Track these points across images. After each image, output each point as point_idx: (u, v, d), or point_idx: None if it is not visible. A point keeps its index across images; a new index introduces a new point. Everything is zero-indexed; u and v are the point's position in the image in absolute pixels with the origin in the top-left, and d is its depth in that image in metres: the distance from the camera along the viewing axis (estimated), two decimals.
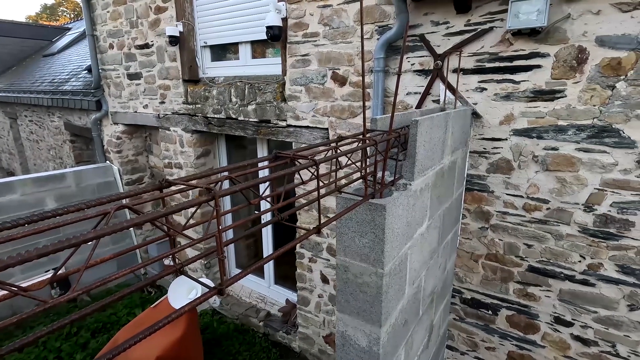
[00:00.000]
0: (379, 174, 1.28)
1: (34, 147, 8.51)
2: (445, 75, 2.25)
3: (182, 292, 3.43)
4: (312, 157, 0.82)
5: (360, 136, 1.27)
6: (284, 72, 3.04)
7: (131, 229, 4.64)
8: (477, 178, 2.33)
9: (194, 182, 0.66)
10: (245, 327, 4.19)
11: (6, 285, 0.41)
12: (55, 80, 6.77)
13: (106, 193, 5.03)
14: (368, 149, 1.20)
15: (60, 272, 0.51)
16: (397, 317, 1.49)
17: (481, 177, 2.31)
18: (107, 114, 4.94)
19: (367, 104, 2.62)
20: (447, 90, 2.25)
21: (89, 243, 0.47)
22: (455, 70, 2.22)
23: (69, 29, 12.01)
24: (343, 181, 1.20)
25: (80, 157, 6.47)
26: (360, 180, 1.27)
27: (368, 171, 1.23)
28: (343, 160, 1.21)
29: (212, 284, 3.13)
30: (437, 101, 2.34)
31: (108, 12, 4.35)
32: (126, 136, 4.89)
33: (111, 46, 4.50)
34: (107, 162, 5.16)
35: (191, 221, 0.71)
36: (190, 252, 4.58)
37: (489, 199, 2.31)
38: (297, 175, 0.93)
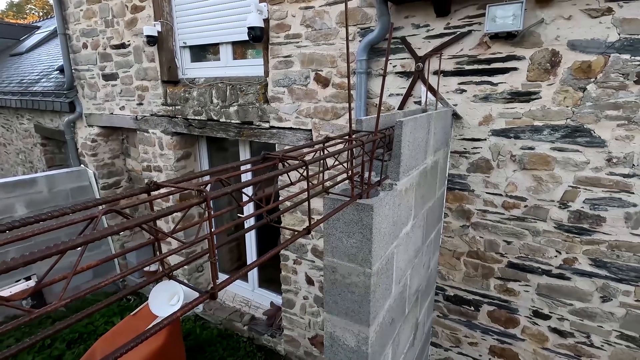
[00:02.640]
0: (366, 175, 1.29)
1: (1, 151, 8.10)
2: (426, 77, 2.30)
3: (163, 299, 3.33)
4: (301, 158, 0.82)
5: (347, 137, 1.28)
6: (266, 73, 3.03)
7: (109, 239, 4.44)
8: (458, 177, 2.39)
9: (183, 184, 0.64)
10: (229, 332, 4.13)
11: None
12: (24, 81, 6.47)
13: (81, 198, 4.84)
14: (354, 149, 1.21)
15: (44, 280, 0.48)
16: (385, 316, 1.50)
17: (462, 176, 2.37)
18: (82, 116, 4.76)
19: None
20: (428, 92, 2.30)
21: (78, 249, 0.45)
22: (436, 72, 2.27)
23: (38, 28, 11.51)
24: (328, 182, 1.21)
25: (52, 161, 6.20)
26: (347, 181, 1.28)
27: (354, 172, 1.24)
28: (329, 161, 1.22)
29: (195, 293, 3.06)
30: (419, 102, 2.39)
31: (81, 10, 4.20)
32: (102, 139, 4.72)
33: (85, 46, 4.34)
34: (82, 165, 4.96)
35: (179, 225, 0.69)
36: (173, 259, 4.48)
37: (470, 197, 2.38)
38: (281, 177, 0.92)
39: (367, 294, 1.31)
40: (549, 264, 2.22)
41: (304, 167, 0.82)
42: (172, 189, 0.62)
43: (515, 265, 2.33)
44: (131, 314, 3.42)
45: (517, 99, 2.09)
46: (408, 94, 2.40)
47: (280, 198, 0.91)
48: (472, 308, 2.56)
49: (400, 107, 2.46)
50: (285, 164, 0.86)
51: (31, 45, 9.30)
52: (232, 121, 3.35)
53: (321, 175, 1.15)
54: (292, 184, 0.98)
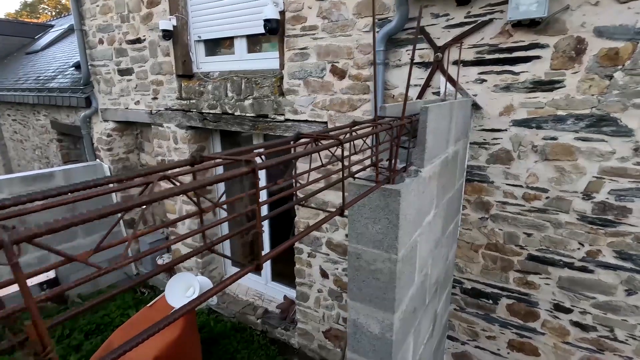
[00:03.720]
0: (392, 161, 1.28)
1: (18, 147, 8.26)
2: (445, 67, 2.27)
3: (179, 290, 3.38)
4: (337, 137, 0.81)
5: (373, 122, 1.26)
6: (282, 65, 3.02)
7: (122, 225, 4.50)
8: (477, 169, 2.36)
9: (231, 155, 0.64)
10: (243, 325, 4.16)
11: (60, 252, 0.40)
12: (40, 78, 6.58)
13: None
14: (380, 135, 1.20)
15: (104, 243, 0.49)
16: (408, 304, 1.49)
17: (481, 167, 2.34)
18: (97, 111, 4.82)
19: (367, 96, 2.63)
20: (447, 82, 2.27)
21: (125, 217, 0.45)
22: (455, 62, 2.24)
23: (52, 26, 11.70)
24: (355, 168, 1.20)
25: (67, 156, 6.30)
26: (372, 167, 1.27)
27: (379, 157, 1.23)
28: (354, 148, 1.21)
29: (210, 283, 3.06)
30: (437, 93, 2.36)
31: (97, 6, 4.25)
32: (117, 133, 4.78)
33: (101, 41, 4.39)
34: (97, 160, 5.04)
35: (222, 199, 0.69)
36: (187, 247, 4.53)
37: (489, 189, 2.34)
38: (302, 161, 0.92)
39: (393, 280, 1.30)
40: (572, 257, 2.18)
41: (339, 146, 0.81)
42: (218, 160, 0.62)
43: (535, 257, 2.30)
44: (147, 305, 3.46)
45: (539, 88, 2.05)
46: (426, 84, 2.38)
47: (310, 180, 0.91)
48: (490, 301, 2.53)
49: (419, 98, 2.43)
50: (319, 143, 0.86)
51: (46, 44, 9.45)
52: (247, 114, 3.36)
53: (347, 161, 1.15)
54: (323, 165, 0.97)
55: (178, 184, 0.57)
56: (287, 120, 3.10)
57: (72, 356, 3.53)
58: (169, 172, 0.58)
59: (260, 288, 4.42)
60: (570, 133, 2.03)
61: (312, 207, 0.91)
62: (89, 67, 4.66)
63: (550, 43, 1.97)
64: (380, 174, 1.24)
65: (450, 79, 2.26)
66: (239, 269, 0.63)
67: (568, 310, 2.26)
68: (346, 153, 1.12)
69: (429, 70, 2.36)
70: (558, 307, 2.29)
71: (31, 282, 4.18)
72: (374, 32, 1.11)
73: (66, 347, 3.66)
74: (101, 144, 4.86)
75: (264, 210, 3.91)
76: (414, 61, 2.37)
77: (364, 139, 1.09)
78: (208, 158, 0.63)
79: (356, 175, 1.23)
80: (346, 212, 0.92)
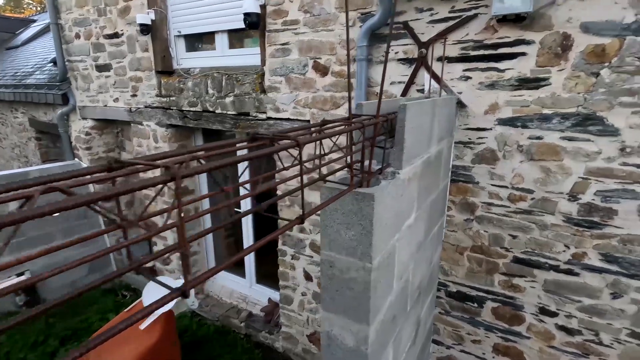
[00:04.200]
0: (366, 162, 1.19)
1: None
2: (429, 63, 2.19)
3: (158, 295, 3.26)
4: (294, 138, 0.72)
5: (346, 120, 1.17)
6: (263, 62, 2.92)
7: (102, 226, 4.35)
8: (462, 169, 2.29)
9: (158, 162, 0.54)
10: (227, 329, 4.05)
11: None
12: (18, 74, 6.35)
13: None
14: (354, 136, 1.11)
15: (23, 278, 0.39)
16: (386, 314, 1.41)
17: (466, 167, 2.27)
18: (75, 109, 4.65)
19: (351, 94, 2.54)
20: (431, 79, 2.19)
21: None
22: (439, 59, 2.17)
23: (34, 21, 11.35)
24: (325, 170, 1.11)
25: (46, 155, 6.10)
26: (346, 169, 1.18)
27: (354, 159, 1.14)
28: (327, 149, 1.12)
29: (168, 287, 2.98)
30: (422, 90, 2.28)
31: None
32: (96, 132, 4.62)
33: (77, 36, 4.22)
34: (76, 159, 4.86)
35: (147, 210, 0.59)
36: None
37: (474, 190, 2.28)
38: (278, 163, 0.83)
39: (367, 290, 1.21)
40: (557, 259, 2.13)
41: (296, 148, 0.72)
42: (139, 166, 0.52)
43: (521, 260, 2.24)
44: (125, 309, 3.34)
45: (525, 85, 1.98)
46: (411, 81, 2.30)
47: (276, 182, 0.81)
48: (476, 305, 2.47)
49: (403, 95, 2.35)
50: (277, 144, 0.77)
51: (27, 38, 9.16)
52: (228, 112, 3.24)
53: (319, 163, 1.06)
54: (284, 168, 0.88)
55: (81, 193, 0.47)
56: (269, 118, 3.00)
57: None
58: (70, 181, 0.48)
59: (244, 290, 4.32)
60: (556, 132, 1.97)
61: (271, 215, 0.82)
62: (66, 62, 4.48)
63: (536, 39, 1.90)
64: (355, 176, 1.15)
65: (434, 76, 2.19)
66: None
67: (553, 314, 2.21)
68: (316, 153, 1.03)
69: (413, 66, 2.28)
70: (543, 311, 2.24)
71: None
72: (347, 19, 1.02)
73: (41, 354, 3.51)
74: (79, 143, 4.69)
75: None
76: (398, 57, 2.30)
77: (333, 138, 1.00)
78: (128, 164, 0.53)
79: (327, 179, 1.14)
80: (312, 226, 0.83)
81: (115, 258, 5.21)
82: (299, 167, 0.83)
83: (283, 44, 2.76)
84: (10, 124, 6.90)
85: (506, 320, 2.39)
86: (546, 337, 2.27)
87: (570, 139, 1.94)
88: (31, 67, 6.29)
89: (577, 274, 2.09)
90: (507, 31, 1.96)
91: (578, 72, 1.84)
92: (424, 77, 2.24)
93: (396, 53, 2.32)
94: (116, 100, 4.15)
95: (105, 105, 4.29)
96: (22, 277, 4.14)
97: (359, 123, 1.03)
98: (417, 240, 1.77)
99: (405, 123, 1.29)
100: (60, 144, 5.60)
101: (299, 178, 0.79)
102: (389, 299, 1.43)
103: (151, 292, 3.18)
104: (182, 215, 0.50)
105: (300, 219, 0.79)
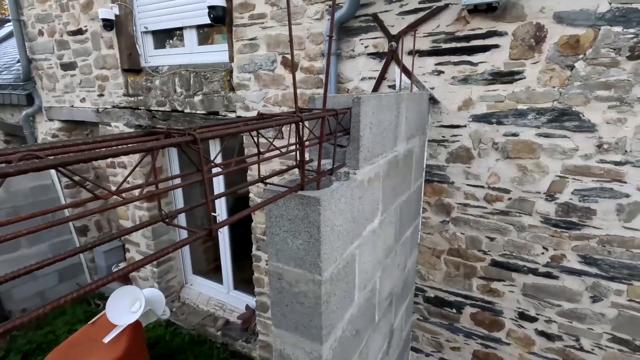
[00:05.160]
0: (315, 162, 1.07)
1: None
2: (400, 57, 2.08)
3: (124, 305, 3.07)
4: (190, 132, 0.58)
5: (290, 115, 1.04)
6: (231, 58, 2.77)
7: (73, 232, 4.12)
8: (436, 168, 2.18)
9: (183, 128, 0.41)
10: (202, 338, 3.87)
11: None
12: None
13: (42, 198, 4.51)
14: (304, 132, 0.98)
15: None
16: (345, 329, 1.28)
17: (441, 167, 2.16)
18: (41, 109, 4.42)
19: (320, 91, 2.41)
20: (402, 74, 2.08)
21: None
22: (410, 52, 2.06)
23: (9, 21, 10.97)
24: (272, 171, 0.98)
25: None
26: (296, 169, 1.05)
27: (308, 159, 1.01)
28: (271, 145, 0.99)
29: (161, 295, 2.76)
30: (393, 86, 2.17)
31: None
32: (64, 134, 4.40)
33: (41, 33, 4.01)
34: None
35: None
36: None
37: (450, 190, 2.17)
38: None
39: (319, 305, 1.08)
40: (536, 262, 2.03)
41: (194, 144, 0.58)
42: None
43: (499, 263, 2.14)
44: (89, 322, 3.14)
45: (499, 80, 1.88)
46: (381, 77, 2.18)
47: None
48: (454, 310, 2.36)
49: (374, 91, 2.23)
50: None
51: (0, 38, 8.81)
52: (198, 112, 3.09)
53: (258, 159, 0.92)
54: (195, 172, 0.74)
55: None
56: (239, 117, 2.85)
57: None
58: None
59: (221, 297, 4.15)
60: (531, 129, 1.87)
61: (177, 225, 0.68)
62: (30, 61, 4.25)
63: (508, 30, 1.80)
64: (306, 177, 1.02)
65: (405, 70, 2.07)
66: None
67: (533, 319, 2.11)
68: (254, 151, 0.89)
69: (384, 61, 2.16)
70: (523, 316, 2.14)
71: None
72: (334, 9, 0.89)
73: None
74: None
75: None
76: (368, 52, 2.18)
77: (275, 135, 0.87)
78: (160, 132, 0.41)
79: (268, 181, 1.01)
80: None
81: (89, 266, 4.98)
82: (216, 166, 0.70)
83: (250, 39, 2.62)
84: None
85: (485, 326, 2.29)
86: (526, 343, 2.17)
87: (546, 136, 1.84)
88: None
89: (556, 277, 1.99)
90: (479, 22, 1.86)
91: (552, 65, 1.75)
92: (395, 72, 2.13)
93: (366, 47, 2.20)
94: (83, 100, 3.95)
95: (72, 106, 4.08)
96: None
97: (296, 117, 0.90)
98: (386, 245, 1.64)
99: (360, 119, 1.16)
100: None
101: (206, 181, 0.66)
102: (349, 312, 1.30)
103: (116, 302, 2.99)
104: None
105: (209, 232, 0.65)
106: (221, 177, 3.54)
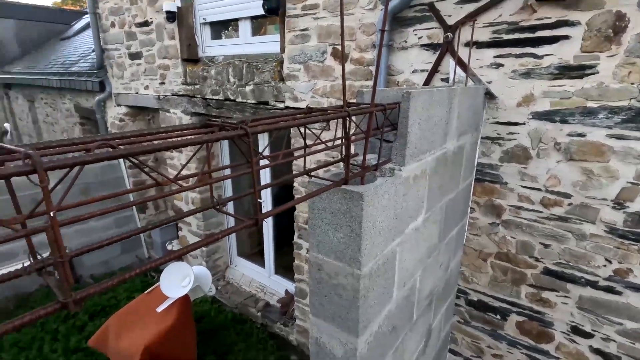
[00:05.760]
0: (360, 157, 1.07)
1: (50, 130, 8.61)
2: (455, 49, 1.98)
3: (175, 280, 3.32)
4: (243, 126, 0.62)
5: (339, 110, 1.05)
6: (282, 49, 2.82)
7: (134, 209, 4.49)
8: (489, 167, 2.07)
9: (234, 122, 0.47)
10: (244, 317, 4.08)
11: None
12: (65, 62, 6.75)
13: (110, 176, 4.98)
14: (351, 127, 0.98)
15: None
16: (382, 324, 1.28)
17: (494, 166, 2.05)
18: (111, 95, 4.84)
19: (369, 83, 2.38)
20: (457, 67, 1.98)
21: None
22: (467, 44, 1.95)
23: (87, 13, 12.04)
24: (317, 163, 1.00)
25: None
26: (341, 163, 1.06)
27: (345, 152, 1.01)
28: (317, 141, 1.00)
29: (208, 273, 2.95)
30: (447, 79, 2.07)
31: None
32: (129, 118, 4.79)
33: (113, 25, 4.36)
34: None
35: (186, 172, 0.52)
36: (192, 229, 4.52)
37: (502, 191, 2.05)
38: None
39: (356, 298, 1.09)
40: (596, 274, 1.86)
41: (245, 137, 0.61)
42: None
43: (552, 272, 1.99)
44: (145, 292, 3.45)
45: (567, 74, 1.73)
46: (434, 69, 2.10)
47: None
48: (499, 316, 2.25)
49: (426, 85, 2.16)
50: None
51: (78, 29, 9.74)
52: (248, 101, 3.19)
53: (304, 152, 0.95)
54: (241, 164, 0.78)
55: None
56: (287, 107, 2.91)
57: (74, 336, 3.60)
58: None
59: (263, 280, 4.33)
60: (601, 129, 1.70)
61: (227, 213, 0.73)
62: (103, 51, 4.66)
63: (582, 20, 1.64)
64: (351, 172, 1.03)
65: (460, 63, 1.97)
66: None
67: (588, 335, 1.96)
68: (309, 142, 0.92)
69: (438, 52, 2.07)
70: (576, 330, 1.99)
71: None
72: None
73: (70, 327, 3.74)
74: (114, 129, 4.90)
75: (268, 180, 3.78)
76: (422, 43, 2.11)
77: (323, 128, 0.88)
78: (213, 124, 0.46)
79: (313, 174, 1.03)
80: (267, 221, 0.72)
81: (146, 240, 5.43)
82: (264, 159, 0.73)
83: (302, 30, 2.64)
84: (59, 110, 7.38)
85: (532, 336, 2.16)
86: (578, 359, 2.02)
87: (619, 137, 1.66)
88: (77, 56, 6.66)
89: (619, 293, 1.82)
90: (548, 11, 1.71)
91: (633, 59, 1.56)
92: (449, 64, 2.03)
93: (419, 38, 2.12)
94: (146, 87, 4.26)
95: (137, 93, 4.42)
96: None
97: (344, 112, 0.90)
98: (429, 243, 1.60)
99: (409, 114, 1.14)
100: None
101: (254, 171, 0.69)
102: (387, 308, 1.30)
103: (169, 277, 3.24)
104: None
105: (255, 222, 0.68)
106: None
